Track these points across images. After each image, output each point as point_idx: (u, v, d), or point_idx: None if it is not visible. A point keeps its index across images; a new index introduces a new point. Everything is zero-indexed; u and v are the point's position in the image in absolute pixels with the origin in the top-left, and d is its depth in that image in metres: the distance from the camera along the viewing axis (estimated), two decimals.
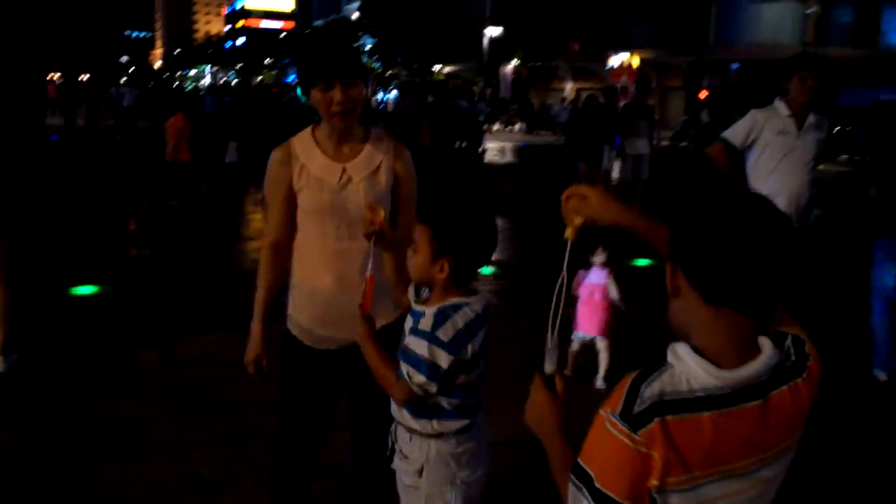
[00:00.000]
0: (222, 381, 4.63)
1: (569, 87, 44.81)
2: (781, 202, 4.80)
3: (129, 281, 6.98)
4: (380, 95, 40.49)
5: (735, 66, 41.86)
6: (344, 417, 2.74)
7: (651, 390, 1.23)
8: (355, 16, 59.75)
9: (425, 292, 2.20)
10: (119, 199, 11.36)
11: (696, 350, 1.27)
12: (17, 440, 3.85)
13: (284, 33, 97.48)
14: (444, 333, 2.01)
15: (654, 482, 1.21)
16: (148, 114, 25.69)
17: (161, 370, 4.89)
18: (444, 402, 2.09)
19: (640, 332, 4.76)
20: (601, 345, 4.84)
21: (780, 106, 4.76)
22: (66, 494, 3.37)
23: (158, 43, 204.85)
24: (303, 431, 2.71)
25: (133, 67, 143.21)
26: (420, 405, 2.10)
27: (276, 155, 2.58)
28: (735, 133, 4.87)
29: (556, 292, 1.61)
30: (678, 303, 1.31)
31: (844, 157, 21.42)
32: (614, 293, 4.77)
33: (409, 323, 2.16)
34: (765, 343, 1.29)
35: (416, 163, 2.66)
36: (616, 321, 4.81)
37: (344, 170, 2.51)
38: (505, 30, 42.17)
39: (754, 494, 1.29)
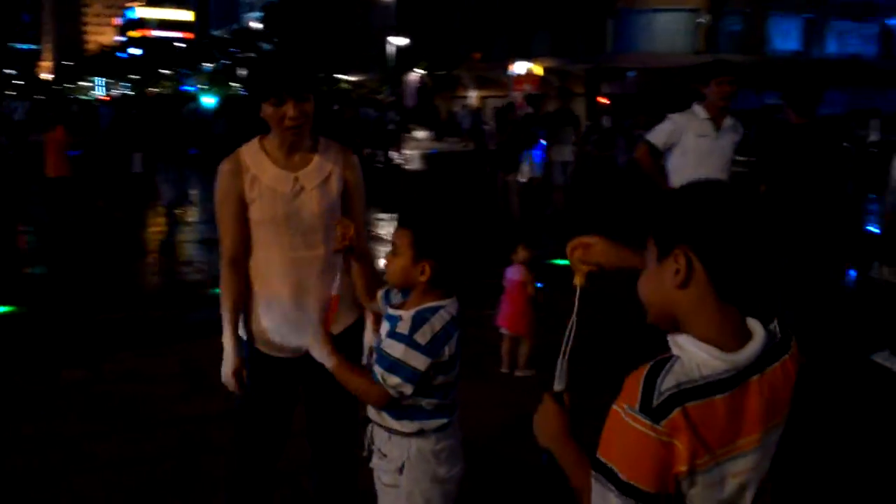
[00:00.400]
0: (155, 396, 4.52)
1: (473, 96, 45.33)
2: None
3: (36, 300, 6.67)
4: None
5: (632, 73, 43.25)
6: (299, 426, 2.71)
7: (667, 382, 1.27)
8: (255, 25, 58.95)
9: (398, 298, 2.23)
10: (10, 215, 10.84)
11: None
12: None
13: (183, 44, 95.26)
14: (422, 337, 2.06)
15: (682, 468, 1.25)
16: (40, 127, 24.66)
17: (90, 388, 4.71)
18: (424, 403, 2.14)
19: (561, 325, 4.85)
20: (519, 338, 5.01)
21: (699, 110, 4.97)
22: None
23: (47, 55, 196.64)
24: (261, 439, 2.68)
25: (21, 81, 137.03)
26: (400, 406, 2.14)
27: (225, 167, 2.56)
28: (657, 135, 5.09)
29: (568, 328, 1.66)
30: (684, 294, 1.33)
31: (741, 158, 22.39)
32: (530, 289, 4.90)
33: (384, 327, 2.19)
34: (755, 325, 1.36)
35: None
36: (537, 315, 4.91)
37: (296, 179, 2.53)
38: (409, 40, 42.36)
39: (761, 467, 1.36)
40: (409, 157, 23.29)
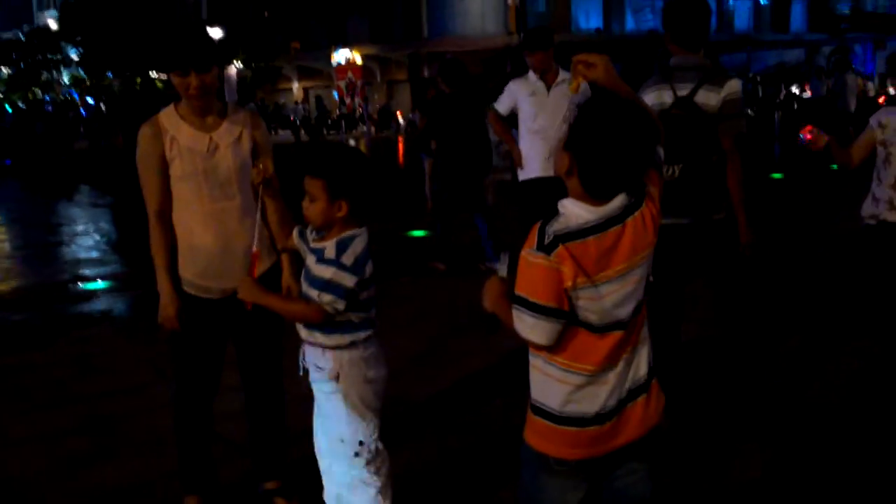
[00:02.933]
0: (53, 380, 4.56)
1: (296, 87, 44.92)
2: (542, 154, 5.56)
3: None
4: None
5: (450, 56, 44.29)
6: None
7: (552, 228, 1.81)
8: (52, 24, 55.25)
9: (312, 235, 2.51)
10: None
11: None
12: None
13: None
14: (347, 259, 2.39)
15: (568, 285, 1.79)
16: None
17: None
18: (353, 317, 2.46)
19: None
20: None
21: (531, 74, 5.75)
22: None
23: None
24: (198, 375, 2.95)
25: None
26: (332, 323, 2.44)
27: (145, 130, 2.81)
28: (500, 103, 5.99)
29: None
30: (568, 180, 1.87)
31: None
32: None
33: (311, 259, 2.49)
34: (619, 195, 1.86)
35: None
36: None
37: (210, 138, 2.81)
38: (224, 32, 41.24)
39: (630, 290, 1.87)
40: None
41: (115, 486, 3.34)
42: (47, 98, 49.20)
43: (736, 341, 4.43)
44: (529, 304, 1.80)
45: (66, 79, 56.89)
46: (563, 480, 1.92)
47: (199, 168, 2.77)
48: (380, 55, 43.76)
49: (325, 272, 2.38)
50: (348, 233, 2.43)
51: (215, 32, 40.95)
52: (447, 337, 5.05)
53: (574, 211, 1.83)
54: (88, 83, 48.81)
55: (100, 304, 6.43)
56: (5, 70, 60.08)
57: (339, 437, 2.52)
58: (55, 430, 3.94)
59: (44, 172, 17.74)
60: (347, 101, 40.23)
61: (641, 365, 1.93)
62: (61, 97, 47.31)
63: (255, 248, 2.70)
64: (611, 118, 1.81)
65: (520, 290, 1.83)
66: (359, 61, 42.13)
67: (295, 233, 2.62)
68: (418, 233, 8.34)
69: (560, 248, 1.77)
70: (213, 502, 3.04)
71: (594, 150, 1.80)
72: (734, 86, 3.45)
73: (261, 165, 2.77)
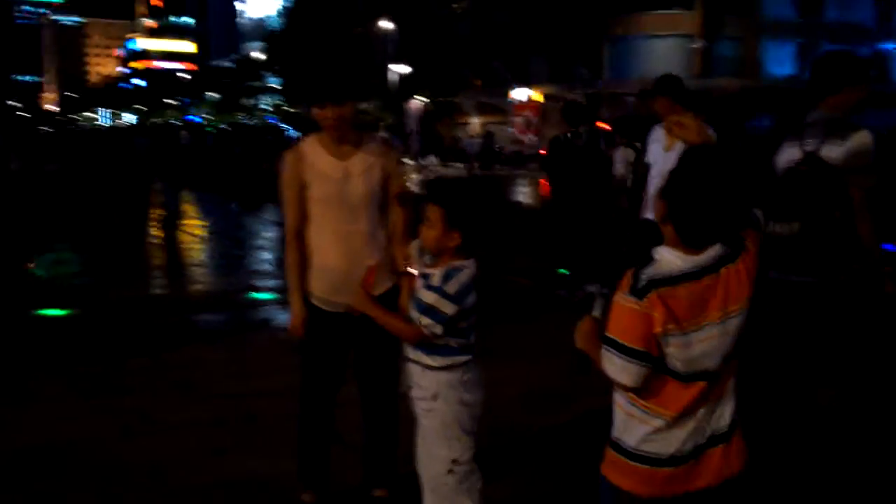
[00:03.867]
0: (207, 378, 5.10)
1: (475, 122, 46.04)
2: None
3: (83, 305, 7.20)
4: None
5: (630, 98, 43.94)
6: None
7: (646, 274, 1.90)
8: (257, 55, 59.82)
9: (428, 259, 2.75)
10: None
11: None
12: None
13: (188, 74, 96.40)
14: (450, 287, 2.60)
15: (658, 330, 1.86)
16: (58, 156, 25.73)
17: (154, 372, 5.28)
18: (453, 342, 2.67)
19: None
20: None
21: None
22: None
23: (49, 86, 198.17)
24: (321, 380, 3.28)
25: (25, 112, 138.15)
26: (432, 346, 2.65)
27: (288, 156, 3.18)
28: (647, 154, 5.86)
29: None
30: (664, 227, 1.96)
31: None
32: None
33: (419, 283, 2.71)
34: (715, 245, 1.94)
35: None
36: None
37: (345, 167, 3.11)
38: (411, 68, 43.14)
39: (719, 342, 1.92)
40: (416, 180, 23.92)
41: (247, 476, 3.71)
42: (248, 122, 53.02)
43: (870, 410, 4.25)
44: (619, 346, 1.89)
45: (266, 105, 61.31)
46: None
47: (332, 193, 3.09)
48: (558, 94, 44.12)
49: (429, 297, 2.60)
50: (456, 263, 2.63)
51: (401, 68, 43.05)
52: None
53: (668, 258, 1.92)
54: (285, 109, 52.22)
55: (264, 314, 7.02)
56: (215, 95, 65.48)
57: (434, 454, 2.72)
58: (203, 421, 4.40)
59: (239, 189, 19.23)
60: (523, 138, 40.87)
61: (725, 415, 1.99)
62: (261, 122, 50.83)
63: (373, 263, 2.93)
64: (702, 170, 1.91)
65: (611, 332, 1.92)
66: (537, 98, 42.75)
67: (414, 244, 2.83)
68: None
69: (652, 293, 1.85)
70: (326, 501, 3.32)
71: (684, 199, 1.90)
72: (860, 138, 3.34)
73: (395, 178, 3.13)
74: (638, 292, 1.87)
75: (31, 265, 9.16)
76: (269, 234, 12.39)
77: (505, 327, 5.64)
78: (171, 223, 12.07)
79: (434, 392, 2.69)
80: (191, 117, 69.84)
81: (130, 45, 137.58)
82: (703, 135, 2.14)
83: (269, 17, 74.78)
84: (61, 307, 7.06)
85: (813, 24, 42.63)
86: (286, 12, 55.26)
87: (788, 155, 3.49)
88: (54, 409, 4.58)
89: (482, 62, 46.23)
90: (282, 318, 6.92)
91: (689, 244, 1.91)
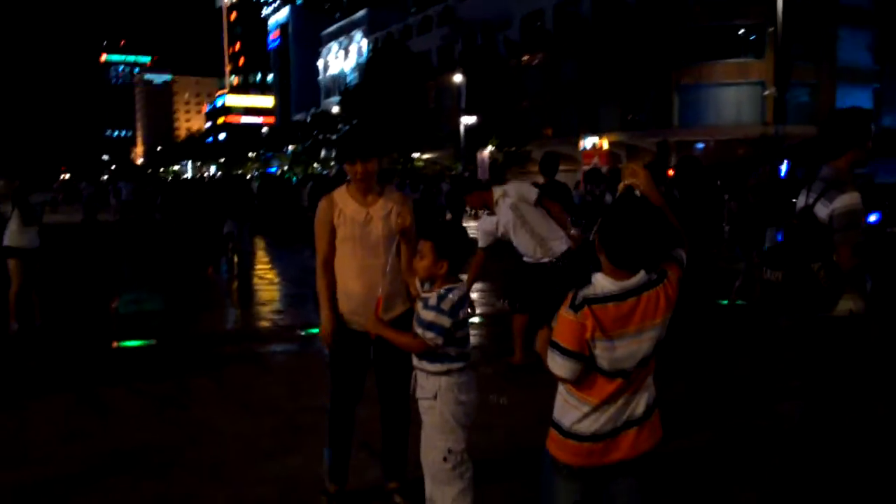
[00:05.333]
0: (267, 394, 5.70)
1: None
2: None
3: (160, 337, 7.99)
4: None
5: (700, 145, 43.95)
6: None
7: (582, 293, 2.46)
8: (335, 109, 61.99)
9: (427, 286, 3.32)
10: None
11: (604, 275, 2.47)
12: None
13: (265, 128, 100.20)
14: (445, 305, 3.20)
15: (587, 336, 2.41)
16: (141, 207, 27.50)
17: (216, 392, 5.92)
18: (451, 351, 3.22)
19: None
20: None
21: None
22: None
23: (139, 140, 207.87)
24: (345, 386, 3.88)
25: (114, 165, 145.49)
26: (433, 355, 3.23)
27: (323, 203, 3.86)
28: None
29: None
30: (602, 259, 2.49)
31: None
32: None
33: (420, 305, 3.30)
34: (641, 272, 2.42)
35: None
36: None
37: (367, 212, 3.76)
38: (480, 117, 44.13)
39: (637, 348, 2.44)
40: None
41: (288, 474, 4.33)
42: (325, 172, 54.65)
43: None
44: (560, 348, 2.43)
45: None
46: (566, 481, 2.52)
47: (356, 233, 3.74)
48: (627, 142, 44.45)
49: (429, 315, 3.18)
50: (448, 286, 3.22)
51: (469, 119, 44.13)
52: None
53: (601, 282, 2.47)
54: None
55: (315, 346, 7.66)
56: (291, 147, 67.80)
57: (433, 444, 3.27)
58: (256, 431, 5.05)
59: (306, 235, 20.19)
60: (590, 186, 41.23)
61: (640, 405, 2.50)
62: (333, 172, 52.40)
63: (380, 294, 3.54)
64: (624, 215, 2.46)
65: (554, 337, 2.46)
66: (605, 146, 43.15)
67: (417, 283, 3.43)
68: None
69: (585, 308, 2.39)
70: (348, 493, 3.91)
71: (610, 234, 2.45)
72: (846, 199, 3.66)
73: (401, 217, 3.66)
74: (575, 307, 2.41)
75: (114, 304, 10.08)
76: None
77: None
78: (245, 267, 13.03)
79: (434, 393, 3.26)
80: (271, 169, 72.53)
81: (217, 101, 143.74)
82: (650, 183, 2.66)
83: (344, 72, 77.55)
84: (141, 339, 7.86)
85: (889, 70, 42.05)
86: (361, 68, 57.39)
87: (801, 202, 3.92)
88: (132, 421, 5.29)
89: (553, 110, 47.05)
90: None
91: (617, 268, 2.44)
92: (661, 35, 40.77)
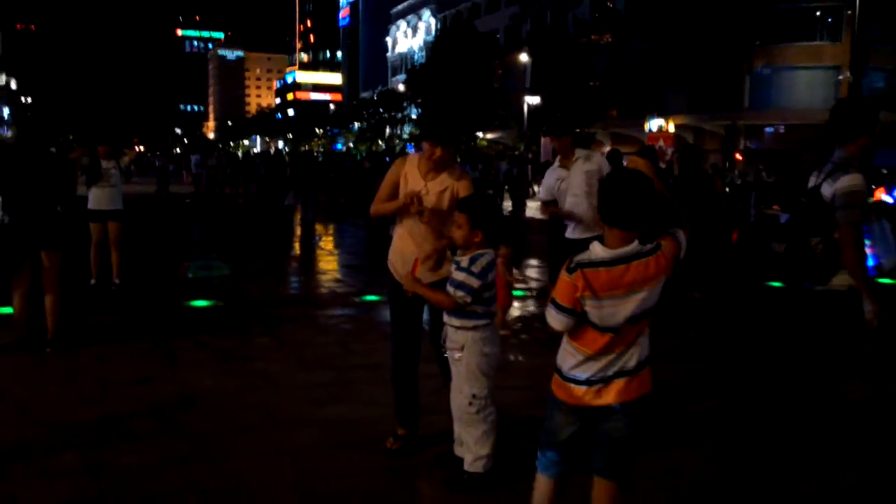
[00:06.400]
0: (331, 353, 6.17)
1: (606, 151, 46.32)
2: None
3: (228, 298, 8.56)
4: None
5: (769, 129, 43.12)
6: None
7: (578, 259, 2.78)
8: (401, 88, 62.50)
9: (458, 251, 3.68)
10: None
11: (600, 241, 2.75)
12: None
13: (332, 105, 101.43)
14: (476, 268, 3.56)
15: (578, 295, 2.75)
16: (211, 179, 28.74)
17: (275, 348, 6.41)
18: (478, 308, 3.58)
19: None
20: None
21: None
22: None
23: (211, 115, 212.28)
24: (402, 337, 4.24)
25: (186, 138, 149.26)
26: (462, 312, 3.61)
27: (397, 161, 4.27)
28: None
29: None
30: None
31: None
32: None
33: (453, 267, 3.68)
34: (635, 241, 2.73)
35: None
36: None
37: (426, 185, 4.11)
38: (545, 99, 44.08)
39: (623, 307, 2.75)
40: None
41: (338, 418, 4.77)
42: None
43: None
44: (556, 304, 2.80)
45: (406, 135, 63.79)
46: (564, 416, 2.88)
47: None
48: (694, 125, 43.86)
49: (459, 276, 3.56)
50: (479, 251, 3.59)
51: (533, 100, 44.08)
52: None
53: (596, 250, 2.79)
54: None
55: (370, 311, 8.12)
56: (357, 125, 68.58)
57: (461, 390, 3.66)
58: (310, 383, 5.52)
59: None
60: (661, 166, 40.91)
61: (633, 358, 2.82)
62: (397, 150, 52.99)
63: (418, 256, 3.94)
64: (615, 179, 2.80)
65: (553, 294, 2.83)
66: (671, 129, 42.71)
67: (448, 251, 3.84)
68: None
69: (578, 271, 2.74)
70: (415, 435, 4.29)
71: (602, 197, 2.79)
72: (849, 180, 3.88)
73: (457, 192, 4.01)
74: (570, 270, 2.77)
75: (184, 269, 10.75)
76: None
77: None
78: (308, 236, 13.79)
79: (462, 345, 3.64)
80: (337, 146, 73.67)
81: (287, 77, 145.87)
82: (650, 174, 2.96)
83: (412, 50, 77.95)
84: (207, 300, 8.44)
85: None
86: (428, 46, 57.70)
87: (810, 185, 4.16)
88: (196, 370, 5.80)
89: (620, 93, 46.71)
90: (385, 314, 8.02)
91: (610, 227, 2.76)
92: (733, 16, 40.00)
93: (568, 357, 2.87)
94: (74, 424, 4.60)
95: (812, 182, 4.17)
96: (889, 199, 22.30)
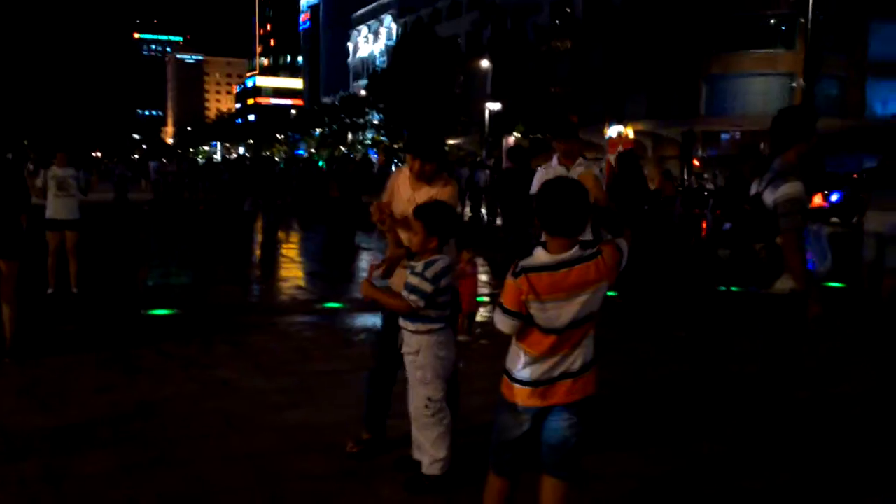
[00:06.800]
0: (290, 359, 6.22)
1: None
2: None
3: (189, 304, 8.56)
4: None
5: (726, 135, 43.98)
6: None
7: (523, 263, 2.92)
8: (363, 92, 62.47)
9: (415, 258, 3.78)
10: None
11: (544, 247, 2.89)
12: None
13: (294, 110, 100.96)
14: (429, 273, 3.68)
15: (523, 298, 2.88)
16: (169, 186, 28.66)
17: (234, 355, 6.45)
18: (432, 313, 3.69)
19: None
20: None
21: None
22: None
23: (170, 120, 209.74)
24: (385, 343, 4.22)
25: (144, 144, 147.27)
26: (416, 316, 3.71)
27: (395, 172, 4.43)
28: None
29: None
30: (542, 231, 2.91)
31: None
32: None
33: (408, 272, 3.76)
34: (575, 247, 2.87)
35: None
36: None
37: (413, 196, 4.18)
38: (506, 105, 44.41)
39: (566, 310, 2.89)
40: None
41: (295, 423, 4.84)
42: (351, 155, 55.23)
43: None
44: (503, 307, 2.93)
45: (368, 140, 63.78)
46: (514, 416, 3.00)
47: (399, 209, 4.19)
48: (653, 131, 44.53)
49: (413, 280, 3.67)
50: (433, 257, 3.69)
51: (494, 106, 44.39)
52: None
53: (539, 255, 2.94)
54: (386, 144, 54.21)
55: (331, 318, 8.19)
56: (319, 130, 68.36)
57: (416, 393, 3.77)
58: (269, 389, 5.58)
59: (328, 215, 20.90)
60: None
61: (577, 361, 2.96)
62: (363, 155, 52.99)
63: (372, 262, 4.01)
64: (551, 190, 2.94)
65: (500, 299, 2.96)
66: (630, 135, 43.26)
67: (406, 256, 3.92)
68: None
69: (523, 276, 2.88)
70: (381, 440, 4.35)
71: (540, 207, 2.94)
72: (788, 188, 4.08)
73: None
74: (515, 274, 2.90)
75: (143, 275, 10.69)
76: (350, 256, 13.68)
77: None
78: (270, 242, 13.90)
79: (416, 349, 3.74)
80: (299, 151, 73.33)
81: (247, 83, 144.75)
82: (597, 188, 3.15)
83: (373, 55, 77.94)
84: (167, 308, 8.43)
85: None
86: (390, 51, 57.80)
87: (752, 192, 4.35)
88: (156, 378, 5.82)
89: (579, 99, 47.25)
90: (346, 321, 8.10)
91: (551, 235, 2.91)
92: (690, 24, 40.75)
93: (515, 359, 2.99)
94: (33, 433, 4.61)
95: (754, 189, 4.36)
96: (825, 205, 23.09)
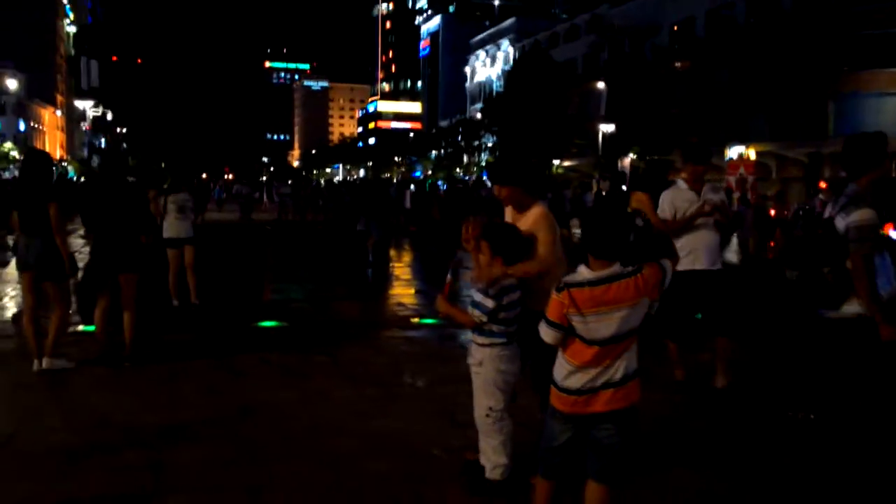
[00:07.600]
0: (382, 372, 6.58)
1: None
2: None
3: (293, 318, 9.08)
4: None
5: None
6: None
7: (566, 279, 3.17)
8: (479, 116, 63.26)
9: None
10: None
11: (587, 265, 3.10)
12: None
13: (412, 133, 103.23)
14: (493, 290, 3.89)
15: (565, 312, 3.11)
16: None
17: (331, 365, 6.85)
18: (495, 328, 3.91)
19: None
20: None
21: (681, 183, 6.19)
22: None
23: (296, 144, 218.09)
24: None
25: (272, 167, 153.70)
26: (480, 330, 3.94)
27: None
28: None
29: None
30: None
31: None
32: None
33: (474, 289, 3.99)
34: (616, 264, 3.04)
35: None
36: None
37: (517, 222, 4.34)
38: (620, 126, 44.01)
39: (608, 324, 3.09)
40: None
41: (378, 431, 5.15)
42: (466, 178, 55.93)
43: None
44: (546, 319, 3.16)
45: (483, 162, 64.41)
46: (560, 423, 3.19)
47: None
48: (777, 152, 43.04)
49: (477, 297, 3.91)
50: (500, 275, 3.92)
51: (608, 127, 44.07)
52: None
53: (582, 272, 3.16)
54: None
55: (428, 333, 8.50)
56: (435, 152, 69.59)
57: (478, 402, 4.00)
58: (358, 398, 5.94)
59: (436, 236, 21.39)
60: (736, 195, 40.27)
61: (619, 371, 3.14)
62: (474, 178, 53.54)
63: (448, 278, 4.22)
64: (597, 216, 3.14)
65: (546, 312, 3.18)
66: (752, 157, 41.96)
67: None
68: None
69: (565, 290, 3.10)
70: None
71: (587, 233, 3.14)
72: (859, 215, 4.12)
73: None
74: (559, 289, 3.13)
75: (267, 294, 11.39)
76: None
77: None
78: (379, 260, 14.53)
79: (480, 360, 3.97)
80: (415, 174, 74.96)
81: (369, 107, 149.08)
82: (650, 210, 3.34)
83: (490, 79, 78.82)
84: (275, 320, 8.98)
85: None
86: (506, 75, 58.39)
87: (825, 216, 4.38)
88: (258, 384, 6.28)
89: (701, 120, 46.23)
90: (440, 337, 8.39)
91: (594, 258, 3.11)
92: (817, 42, 39.30)
93: (561, 369, 3.18)
94: (141, 428, 5.11)
95: (828, 212, 4.37)
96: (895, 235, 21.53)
